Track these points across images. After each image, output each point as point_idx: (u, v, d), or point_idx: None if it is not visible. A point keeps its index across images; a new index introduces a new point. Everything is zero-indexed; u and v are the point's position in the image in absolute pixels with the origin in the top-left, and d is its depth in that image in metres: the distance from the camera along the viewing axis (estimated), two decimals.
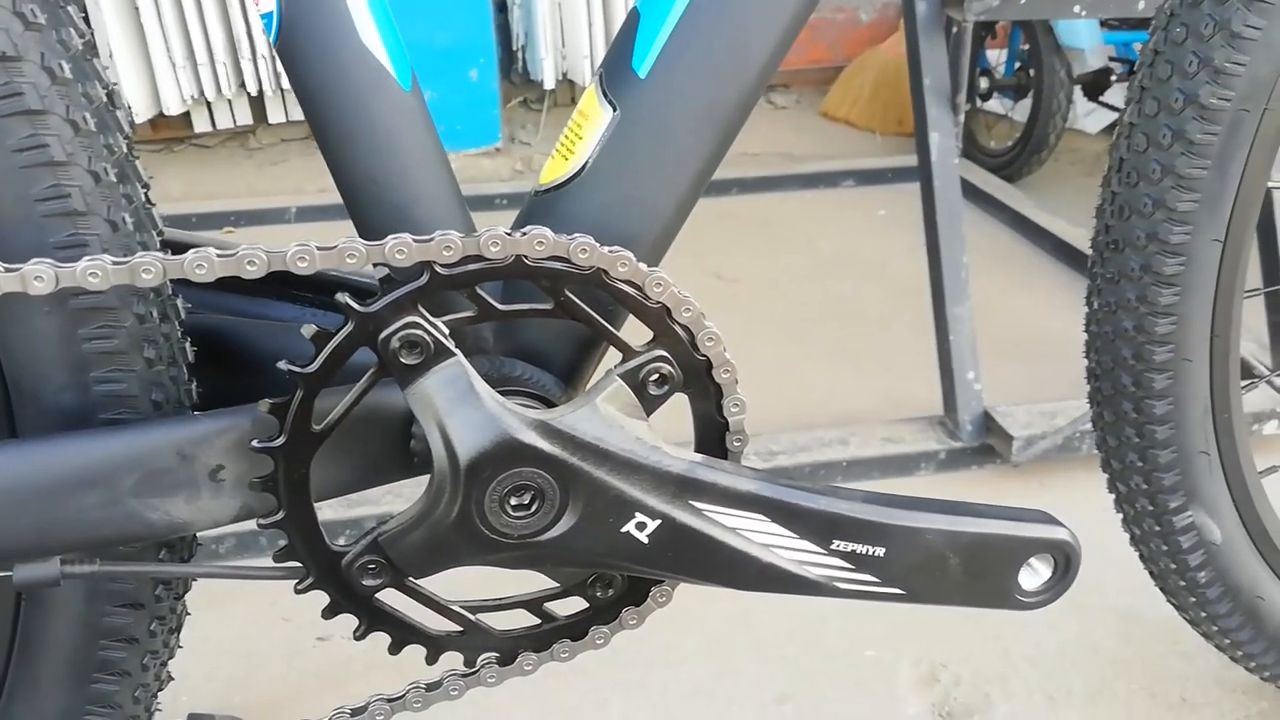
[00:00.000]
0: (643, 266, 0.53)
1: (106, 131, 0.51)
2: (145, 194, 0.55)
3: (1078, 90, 2.78)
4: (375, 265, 0.50)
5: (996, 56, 2.98)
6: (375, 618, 0.58)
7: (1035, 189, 2.87)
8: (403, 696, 0.61)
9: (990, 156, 2.89)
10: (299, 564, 0.55)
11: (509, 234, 0.50)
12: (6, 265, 0.46)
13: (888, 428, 1.65)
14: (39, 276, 0.46)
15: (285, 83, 2.82)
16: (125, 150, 0.53)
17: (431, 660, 0.60)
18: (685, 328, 0.54)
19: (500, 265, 0.51)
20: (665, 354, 0.55)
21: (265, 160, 2.98)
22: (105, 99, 0.52)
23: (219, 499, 0.53)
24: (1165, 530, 0.88)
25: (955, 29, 1.68)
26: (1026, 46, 2.87)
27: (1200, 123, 0.71)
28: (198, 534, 0.60)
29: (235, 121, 2.85)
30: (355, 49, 0.52)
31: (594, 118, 0.56)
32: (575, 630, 0.61)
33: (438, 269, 0.50)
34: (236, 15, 2.66)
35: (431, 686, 0.61)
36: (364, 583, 0.56)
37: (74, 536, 0.51)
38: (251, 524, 0.53)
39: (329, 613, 0.57)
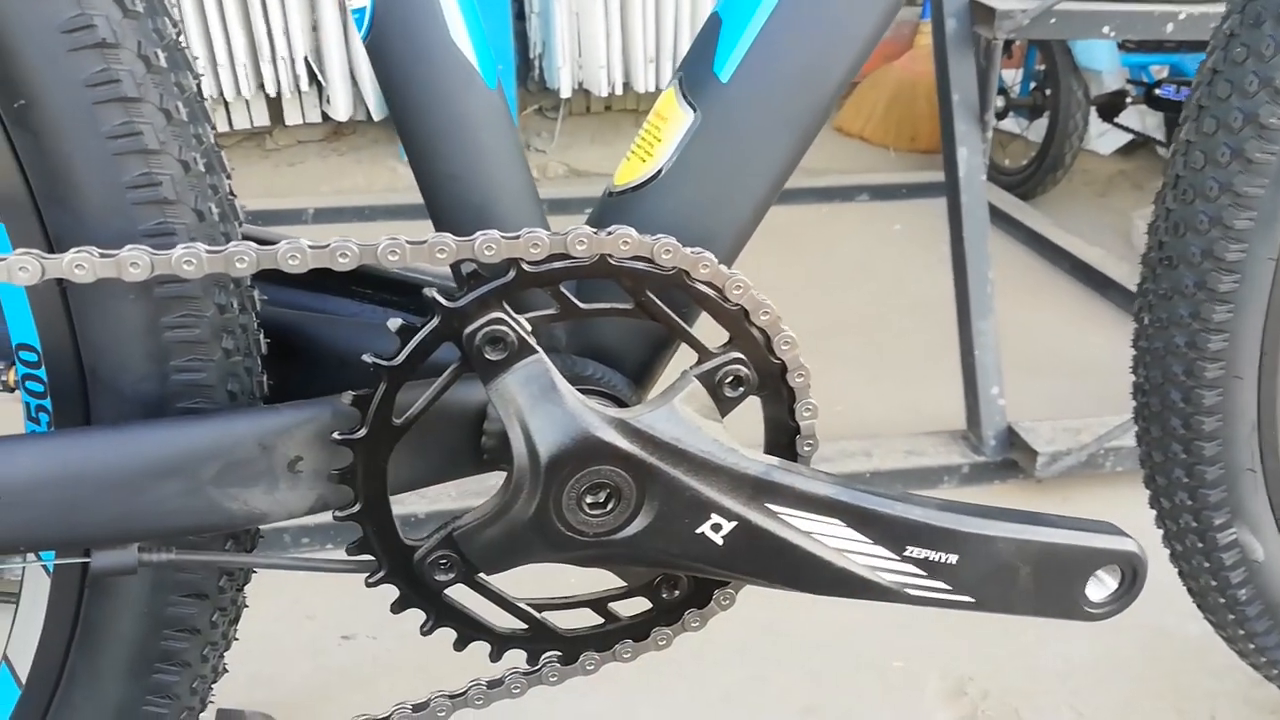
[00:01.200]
0: (723, 268, 0.53)
1: (196, 121, 0.52)
2: (229, 185, 0.55)
3: (1093, 111, 2.79)
4: (461, 261, 0.50)
5: (1012, 76, 3.00)
6: (443, 613, 0.58)
7: (1049, 208, 2.88)
8: (465, 693, 0.61)
9: (1005, 175, 2.90)
10: (371, 557, 0.55)
11: (595, 233, 0.51)
12: (103, 250, 0.46)
13: (910, 440, 1.66)
14: (135, 263, 0.46)
15: (304, 85, 2.83)
16: (212, 141, 0.53)
17: (496, 657, 0.60)
18: (762, 330, 0.55)
19: (584, 264, 0.51)
20: (741, 356, 0.55)
21: (282, 161, 2.98)
22: (195, 89, 0.52)
23: (296, 490, 0.53)
24: (1208, 547, 0.88)
25: (985, 45, 1.69)
26: (1042, 67, 2.88)
27: (1260, 141, 0.71)
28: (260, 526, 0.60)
29: (252, 122, 2.86)
30: (445, 46, 0.52)
31: (674, 120, 0.56)
32: (638, 631, 0.61)
33: (524, 266, 0.50)
34: (258, 17, 2.67)
35: (493, 684, 0.61)
36: (435, 578, 0.56)
37: (153, 525, 0.51)
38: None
39: (398, 607, 0.57)
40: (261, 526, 0.57)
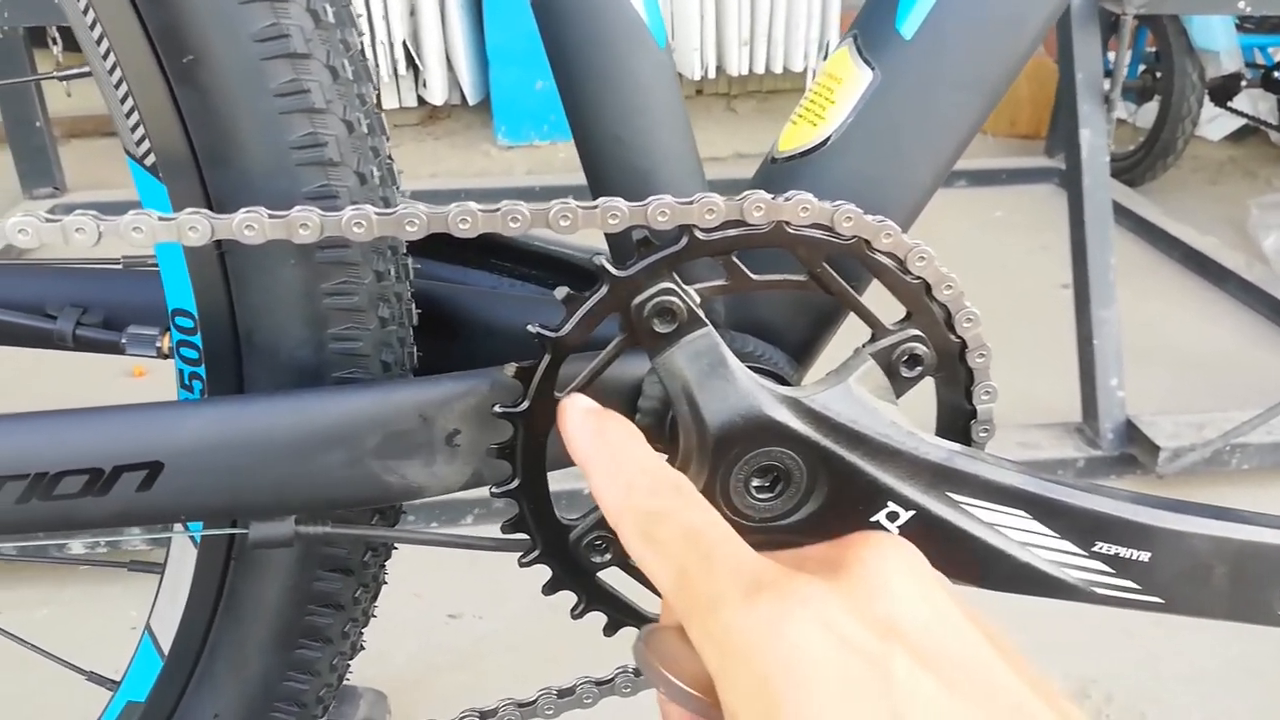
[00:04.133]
0: (905, 238, 0.50)
1: (360, 80, 0.50)
2: (389, 148, 0.53)
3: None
4: (634, 228, 0.48)
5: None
6: (595, 596, 0.56)
7: (1158, 195, 2.77)
8: (611, 680, 0.58)
9: (1112, 161, 2.79)
10: (526, 536, 0.53)
11: (773, 198, 0.48)
12: (272, 211, 0.44)
13: (1023, 432, 1.60)
14: (305, 224, 0.44)
15: (401, 69, 2.84)
16: (374, 102, 0.51)
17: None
18: (944, 306, 0.51)
19: (760, 231, 0.48)
20: (920, 333, 0.51)
21: None
22: (359, 47, 0.50)
23: (453, 464, 0.51)
24: None
25: (1114, 21, 1.61)
26: (1153, 48, 2.77)
27: None
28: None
29: None
30: (618, 3, 0.49)
31: (849, 81, 0.53)
32: None
33: (697, 233, 0.48)
34: (357, 1, 2.68)
35: (639, 671, 0.59)
36: (591, 559, 0.53)
37: (312, 496, 0.49)
38: None
39: (549, 588, 0.55)
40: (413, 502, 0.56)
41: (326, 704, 0.65)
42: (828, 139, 0.53)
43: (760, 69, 3.18)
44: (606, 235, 0.56)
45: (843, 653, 0.31)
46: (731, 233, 0.48)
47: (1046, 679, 0.35)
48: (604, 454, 0.41)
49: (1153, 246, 2.44)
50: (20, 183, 2.67)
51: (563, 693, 0.60)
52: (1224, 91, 2.69)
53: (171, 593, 0.60)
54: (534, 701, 0.66)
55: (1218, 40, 2.59)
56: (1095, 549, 0.52)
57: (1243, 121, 3.02)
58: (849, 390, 0.50)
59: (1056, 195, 2.86)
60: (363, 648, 0.66)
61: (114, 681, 0.65)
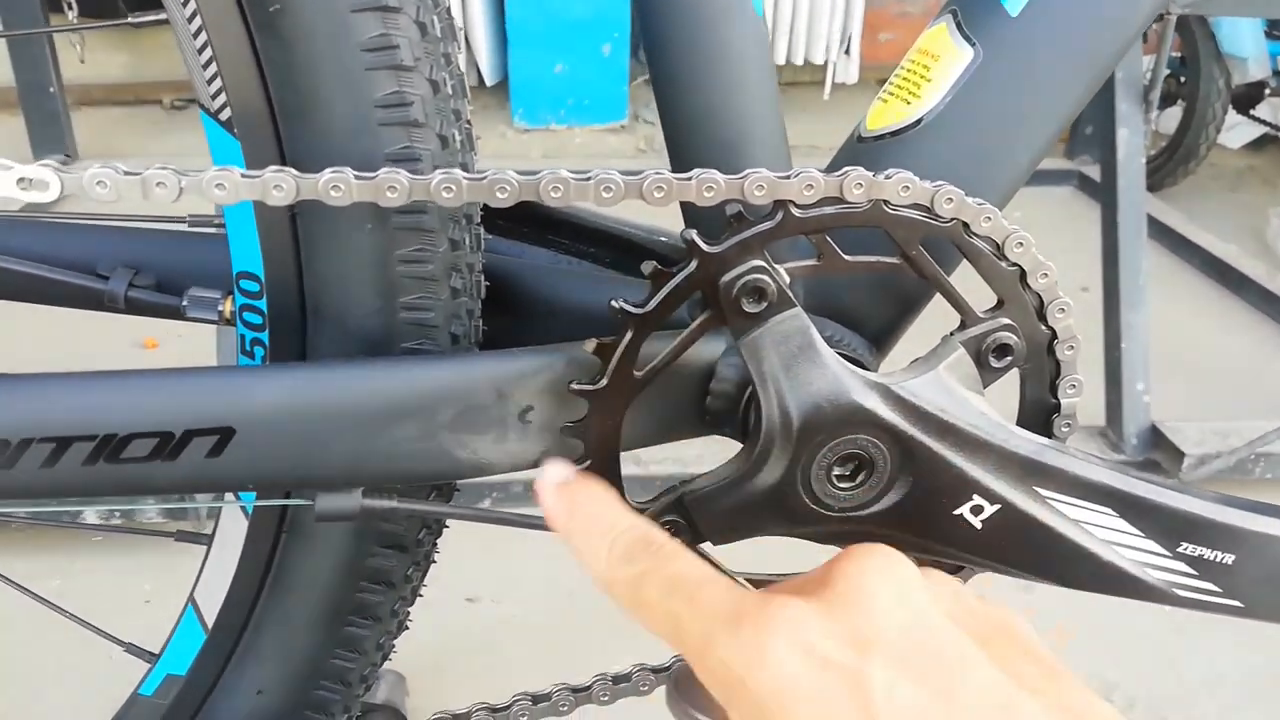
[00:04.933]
0: (1005, 223, 0.48)
1: (447, 39, 0.48)
2: (470, 112, 0.51)
3: None
4: (727, 202, 0.46)
5: (1146, 62, 2.86)
6: None
7: (1177, 201, 2.76)
8: (669, 667, 0.57)
9: None
10: None
11: (874, 176, 0.46)
12: (359, 172, 0.42)
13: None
14: (393, 186, 0.42)
15: None
16: (459, 63, 0.49)
17: None
18: (1038, 295, 0.50)
19: (859, 210, 0.47)
20: (1011, 323, 0.50)
21: None
22: (447, 5, 0.48)
23: (524, 442, 0.49)
24: None
25: (1158, 23, 1.59)
26: (1178, 53, 2.75)
27: None
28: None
29: None
30: None
31: (947, 58, 0.51)
32: None
33: (793, 210, 0.46)
34: None
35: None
36: None
37: (382, 469, 0.47)
38: None
39: None
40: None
41: (370, 683, 0.63)
42: (922, 119, 0.51)
43: (781, 60, 3.16)
44: (684, 209, 0.54)
45: (820, 672, 0.33)
46: (828, 210, 0.47)
47: (1060, 674, 0.35)
48: (579, 527, 0.43)
49: (1173, 253, 2.43)
50: (31, 148, 2.65)
51: (618, 678, 0.58)
52: (1247, 99, 2.68)
53: (218, 565, 0.58)
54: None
55: (1246, 46, 2.58)
56: (1180, 549, 0.50)
57: (1261, 130, 3.00)
58: (939, 378, 0.49)
59: (1076, 197, 2.84)
60: (407, 627, 0.65)
61: (152, 654, 0.63)
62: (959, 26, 0.51)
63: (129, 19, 0.52)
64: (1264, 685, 1.24)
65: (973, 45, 0.50)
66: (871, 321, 0.55)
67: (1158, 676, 1.24)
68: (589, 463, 0.50)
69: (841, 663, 0.33)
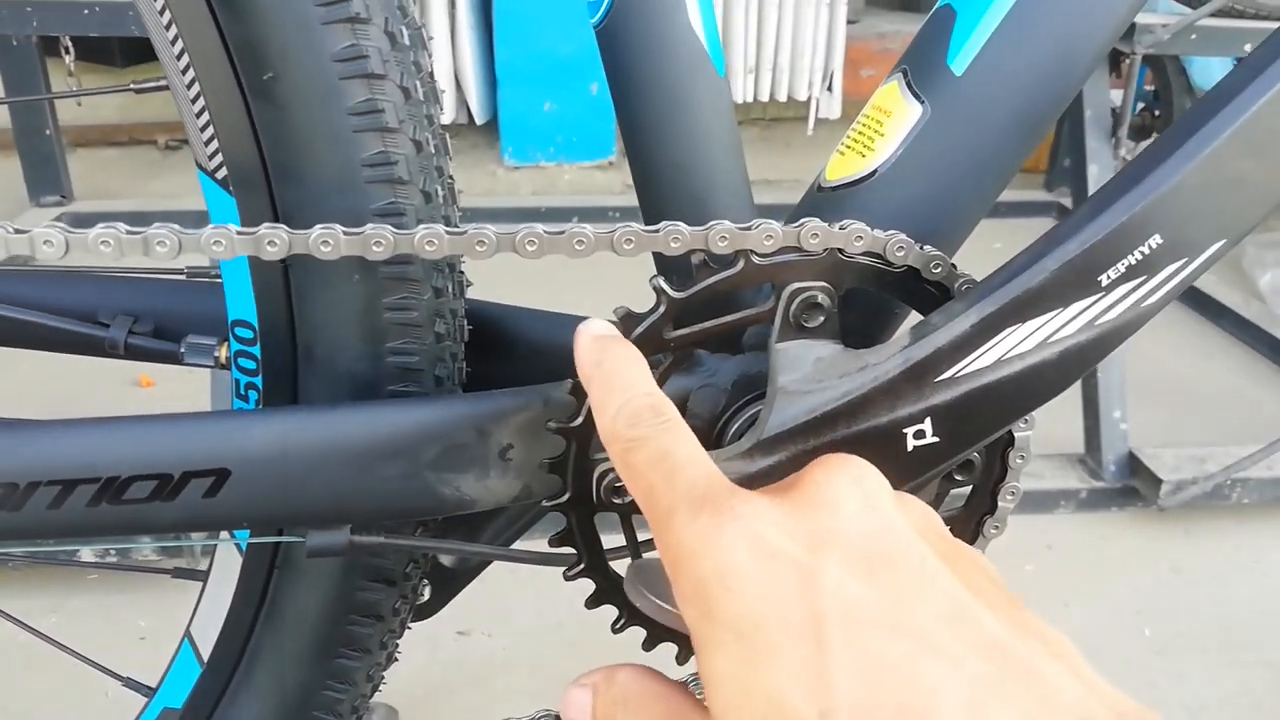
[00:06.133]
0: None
1: (430, 101, 0.51)
2: (451, 168, 0.54)
3: None
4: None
5: (1119, 96, 2.92)
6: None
7: None
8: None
9: None
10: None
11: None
12: (347, 229, 0.46)
13: None
14: (379, 241, 0.45)
15: None
16: (440, 122, 0.53)
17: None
18: None
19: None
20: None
21: None
22: (430, 69, 0.52)
23: (505, 478, 0.52)
24: None
25: (1125, 61, 1.64)
26: (1151, 87, 2.81)
27: None
28: None
29: None
30: (683, 30, 0.51)
31: (898, 114, 0.54)
32: None
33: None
34: None
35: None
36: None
37: (369, 506, 0.50)
38: None
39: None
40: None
41: (360, 714, 0.65)
42: (876, 170, 0.54)
43: (765, 97, 3.21)
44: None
45: (768, 560, 0.33)
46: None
47: (1017, 602, 0.35)
48: (600, 378, 0.42)
49: None
50: (28, 190, 2.68)
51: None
52: None
53: (214, 600, 0.61)
54: None
55: (1216, 79, 2.63)
56: (1102, 282, 0.49)
57: None
58: (790, 391, 0.49)
59: None
60: (397, 659, 0.67)
61: (149, 688, 0.65)
62: (909, 85, 0.54)
63: (130, 85, 0.56)
64: (1241, 709, 1.26)
65: (921, 102, 0.53)
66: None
67: (1140, 699, 1.26)
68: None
69: (793, 556, 0.33)
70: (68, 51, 2.47)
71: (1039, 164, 3.24)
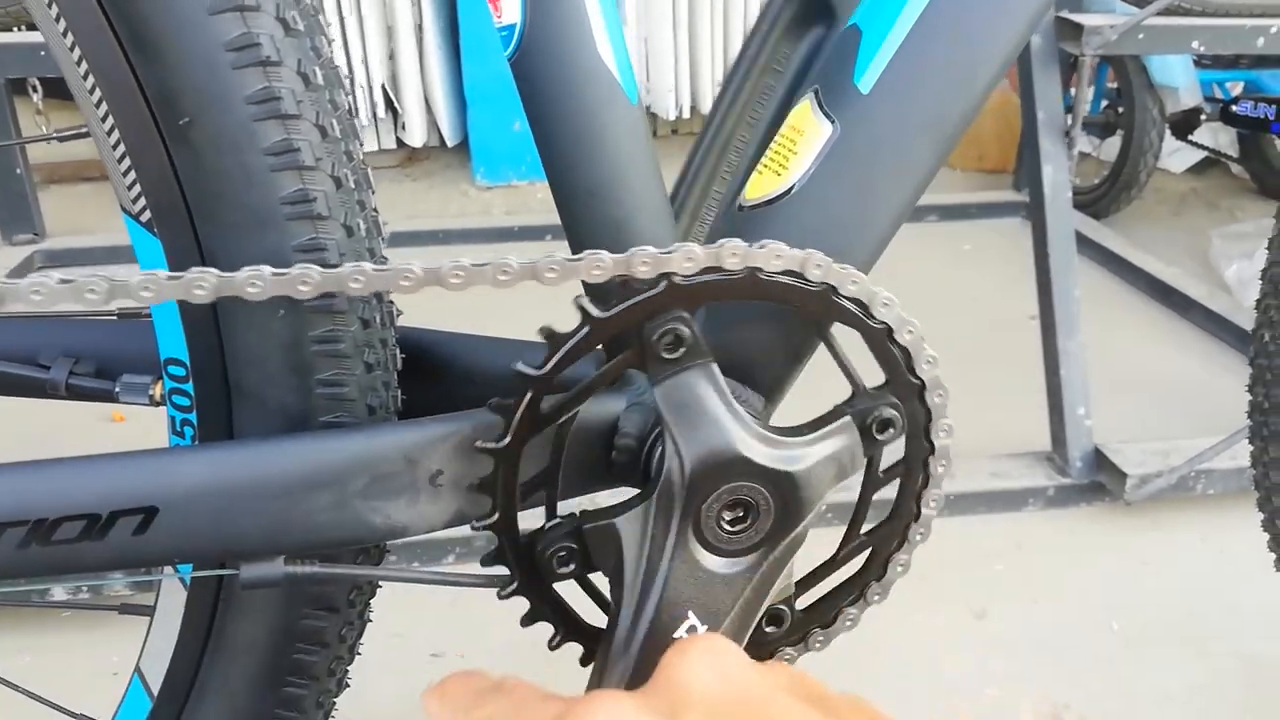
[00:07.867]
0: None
1: (347, 138, 0.52)
2: (374, 201, 0.55)
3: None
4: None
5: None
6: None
7: (1123, 227, 2.83)
8: None
9: (1077, 194, 2.85)
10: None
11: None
12: (275, 270, 0.47)
13: (994, 463, 1.63)
14: (305, 281, 0.46)
15: (380, 112, 2.87)
16: (360, 157, 0.54)
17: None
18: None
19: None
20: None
21: None
22: (347, 106, 0.53)
23: (436, 503, 0.53)
24: None
25: (1073, 61, 1.66)
26: (1114, 84, 2.84)
27: None
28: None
29: None
30: (593, 61, 0.52)
31: (810, 133, 0.56)
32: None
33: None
34: (337, 46, 2.71)
35: None
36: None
37: (301, 537, 0.51)
38: None
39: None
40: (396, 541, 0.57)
41: None
42: (791, 188, 0.56)
43: (699, 112, 3.23)
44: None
45: None
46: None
47: None
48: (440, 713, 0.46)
49: (1118, 277, 2.50)
50: (0, 229, 2.68)
51: None
52: (1184, 125, 2.76)
53: (161, 634, 0.61)
54: None
55: (1177, 77, 2.67)
56: None
57: (1204, 154, 3.10)
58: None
59: (1024, 228, 2.91)
60: (348, 685, 0.68)
61: None
62: (819, 104, 0.56)
63: (53, 134, 0.57)
64: (1209, 700, 1.27)
65: (832, 122, 0.55)
66: (763, 375, 0.59)
67: (1107, 696, 1.27)
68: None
69: None
70: (35, 90, 2.48)
71: (1006, 165, 3.27)
